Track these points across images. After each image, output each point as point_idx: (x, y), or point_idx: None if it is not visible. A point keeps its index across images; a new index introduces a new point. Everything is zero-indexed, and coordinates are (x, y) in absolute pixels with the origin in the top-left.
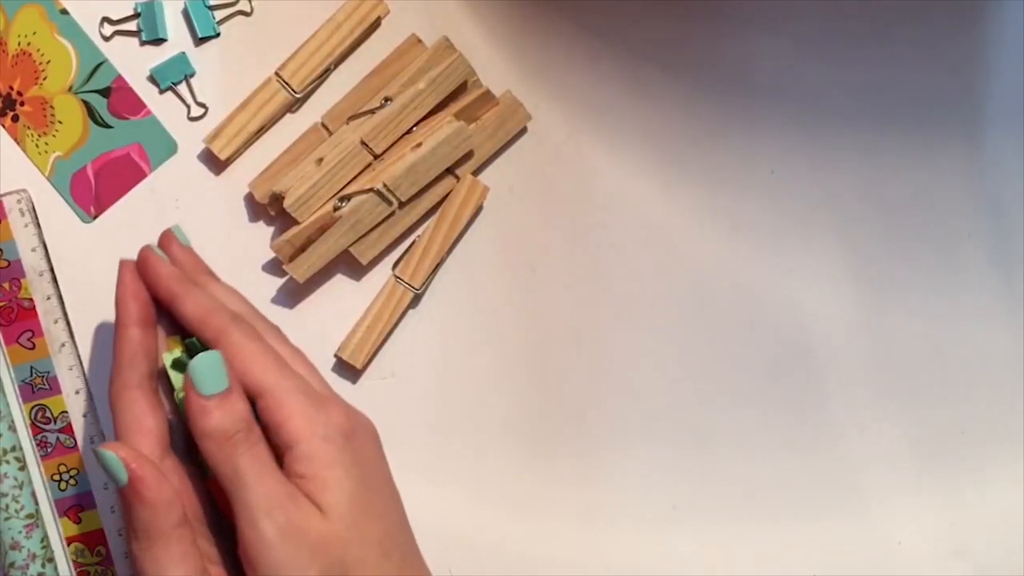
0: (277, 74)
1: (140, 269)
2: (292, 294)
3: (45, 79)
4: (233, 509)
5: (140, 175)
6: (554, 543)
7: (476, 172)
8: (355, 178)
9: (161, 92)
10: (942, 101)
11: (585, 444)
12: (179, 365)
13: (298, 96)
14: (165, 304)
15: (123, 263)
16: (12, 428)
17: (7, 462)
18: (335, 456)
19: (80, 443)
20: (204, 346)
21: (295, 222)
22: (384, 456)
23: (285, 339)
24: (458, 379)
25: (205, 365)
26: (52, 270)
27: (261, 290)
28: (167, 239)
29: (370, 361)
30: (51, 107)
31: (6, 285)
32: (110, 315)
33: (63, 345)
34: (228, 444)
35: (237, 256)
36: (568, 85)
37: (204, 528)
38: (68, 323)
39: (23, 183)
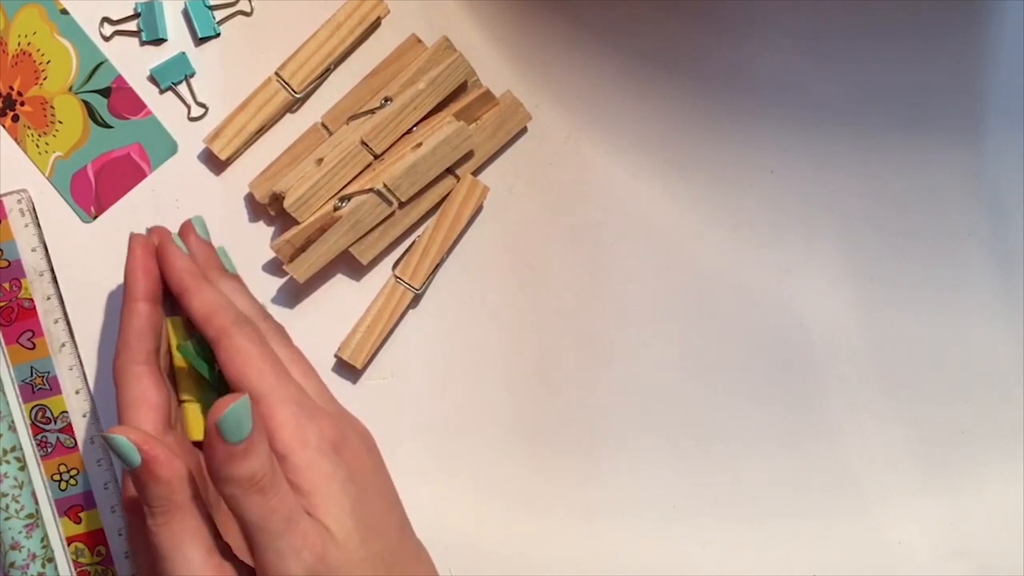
0: (277, 74)
1: (158, 255)
2: (292, 294)
3: (45, 79)
4: (254, 546)
5: (140, 175)
6: (554, 543)
7: (476, 172)
8: (355, 178)
9: (161, 92)
10: (942, 101)
11: (585, 444)
12: (186, 351)
13: (298, 96)
14: (175, 295)
15: (134, 236)
16: (12, 428)
17: (7, 462)
18: (329, 470)
19: (80, 443)
20: (207, 344)
21: (295, 222)
22: (380, 461)
23: (288, 341)
24: (458, 379)
25: (236, 416)
26: (52, 270)
27: (261, 290)
28: (186, 229)
29: (370, 361)
30: (51, 107)
31: (6, 285)
32: (110, 315)
33: (63, 345)
34: (254, 489)
35: (237, 256)
36: (568, 85)
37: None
38: (68, 323)
39: (23, 183)
